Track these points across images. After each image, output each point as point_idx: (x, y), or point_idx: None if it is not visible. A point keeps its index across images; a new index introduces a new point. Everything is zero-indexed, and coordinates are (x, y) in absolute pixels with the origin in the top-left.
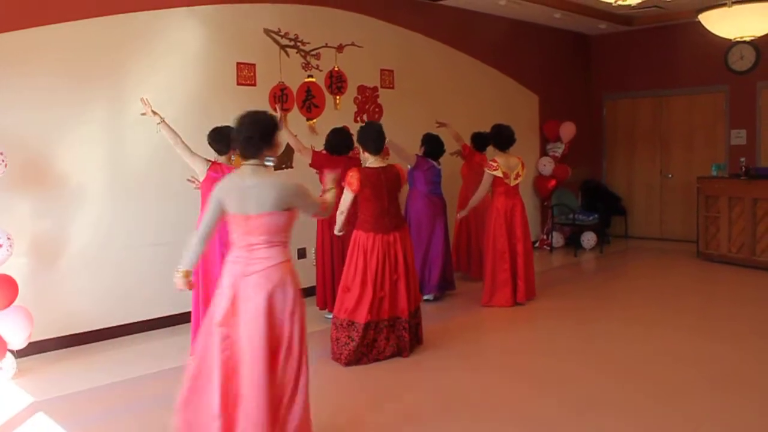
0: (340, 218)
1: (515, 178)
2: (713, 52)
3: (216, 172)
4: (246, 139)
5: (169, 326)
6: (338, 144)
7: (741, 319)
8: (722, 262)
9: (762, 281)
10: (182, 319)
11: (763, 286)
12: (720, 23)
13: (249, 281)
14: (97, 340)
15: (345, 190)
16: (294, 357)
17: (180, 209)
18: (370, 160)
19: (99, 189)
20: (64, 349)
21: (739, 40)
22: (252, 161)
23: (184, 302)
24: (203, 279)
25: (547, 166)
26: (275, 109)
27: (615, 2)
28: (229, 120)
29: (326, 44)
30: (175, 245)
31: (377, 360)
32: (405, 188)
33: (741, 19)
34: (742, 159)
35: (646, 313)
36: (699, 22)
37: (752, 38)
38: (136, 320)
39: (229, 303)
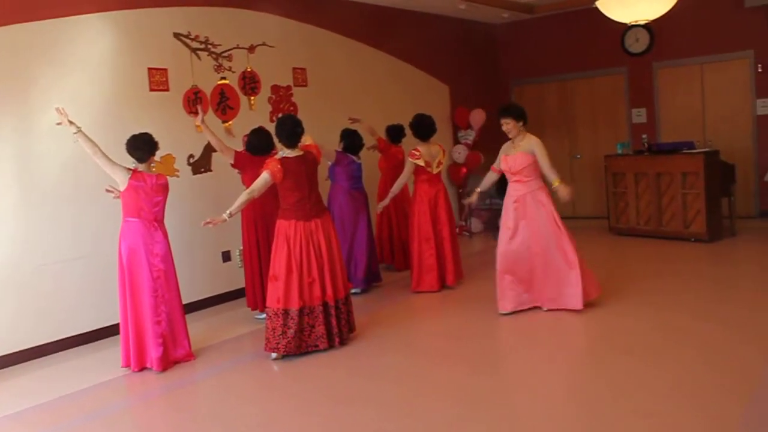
0: (244, 198)
1: (437, 166)
2: (611, 36)
3: (138, 180)
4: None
5: (90, 342)
6: (259, 145)
7: (655, 290)
8: (633, 234)
9: (669, 249)
10: (104, 333)
11: (671, 253)
12: (616, 8)
13: (533, 196)
14: (14, 364)
15: (263, 173)
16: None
17: (96, 220)
18: (286, 151)
19: (7, 207)
20: None
21: (633, 24)
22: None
23: (105, 316)
24: (130, 288)
25: (461, 153)
26: (195, 113)
27: None
28: (145, 127)
29: (237, 45)
30: (92, 257)
31: (315, 347)
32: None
33: (635, 4)
34: (644, 136)
35: None
36: (596, 8)
37: (646, 22)
38: (53, 339)
39: (516, 212)
